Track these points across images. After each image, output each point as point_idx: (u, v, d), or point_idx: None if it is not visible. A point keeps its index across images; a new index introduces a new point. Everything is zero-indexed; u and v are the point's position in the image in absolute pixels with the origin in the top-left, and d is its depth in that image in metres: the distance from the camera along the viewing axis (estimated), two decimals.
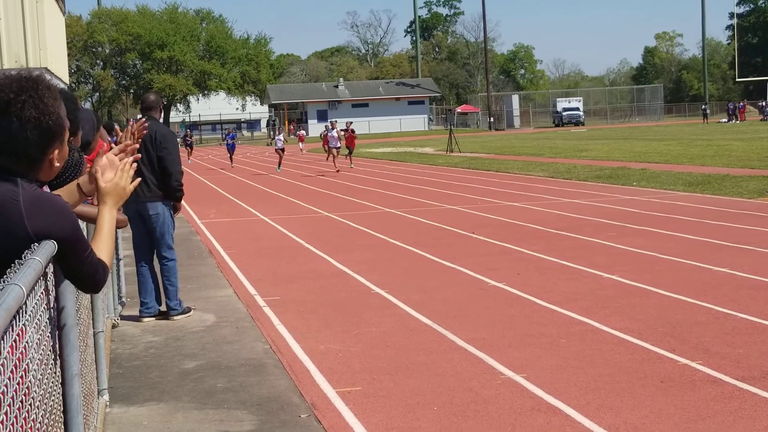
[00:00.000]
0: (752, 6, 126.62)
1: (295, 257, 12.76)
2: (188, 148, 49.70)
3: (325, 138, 44.41)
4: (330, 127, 35.12)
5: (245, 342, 7.96)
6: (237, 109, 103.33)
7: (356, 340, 7.76)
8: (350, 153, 35.79)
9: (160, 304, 9.16)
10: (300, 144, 54.99)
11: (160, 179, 8.95)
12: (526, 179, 25.31)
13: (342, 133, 35.24)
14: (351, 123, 37.80)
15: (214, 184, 30.37)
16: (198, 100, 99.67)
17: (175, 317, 9.03)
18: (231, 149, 42.87)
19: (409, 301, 9.19)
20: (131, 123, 5.17)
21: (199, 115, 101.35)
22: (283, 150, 36.95)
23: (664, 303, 8.69)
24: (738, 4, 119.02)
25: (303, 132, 59.58)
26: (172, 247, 9.21)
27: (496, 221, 15.94)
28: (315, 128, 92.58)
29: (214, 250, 13.80)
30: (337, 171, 32.53)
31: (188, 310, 9.22)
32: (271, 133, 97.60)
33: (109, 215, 3.11)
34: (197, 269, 12.17)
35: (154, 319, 9.00)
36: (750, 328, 7.56)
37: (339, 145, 34.23)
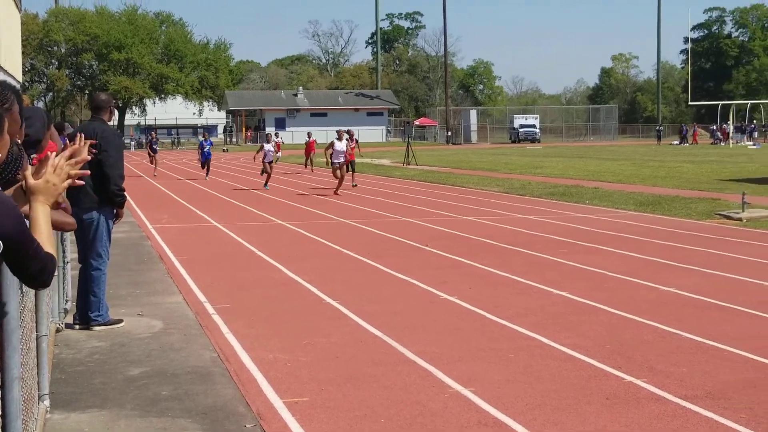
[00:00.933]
0: (706, 32, 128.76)
1: (247, 265, 12.69)
2: (152, 154, 40.30)
3: (309, 147, 39.60)
4: (338, 136, 27.01)
5: (192, 349, 7.89)
6: (194, 114, 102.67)
7: (305, 350, 7.72)
8: (352, 169, 28.21)
9: (107, 310, 8.98)
10: (278, 153, 51.87)
11: (99, 184, 8.56)
12: (481, 194, 25.42)
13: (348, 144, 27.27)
14: (353, 132, 30.03)
15: (167, 189, 30.12)
16: (154, 103, 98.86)
17: (96, 328, 8.69)
18: (206, 158, 33.97)
19: (360, 312, 9.17)
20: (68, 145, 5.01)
21: (155, 119, 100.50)
22: (271, 163, 29.28)
23: (612, 321, 8.77)
24: (692, 29, 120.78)
25: (281, 139, 52.32)
26: (102, 256, 8.83)
27: (450, 234, 15.99)
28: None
29: (165, 256, 13.68)
30: (336, 192, 25.80)
31: (115, 321, 8.84)
32: (231, 139, 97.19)
33: (42, 212, 3.03)
34: (147, 275, 12.04)
35: (104, 327, 8.79)
36: (694, 348, 7.66)
37: (343, 159, 26.22)
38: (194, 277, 11.55)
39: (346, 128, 32.14)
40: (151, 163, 40.15)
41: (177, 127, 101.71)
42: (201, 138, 35.14)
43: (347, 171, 26.98)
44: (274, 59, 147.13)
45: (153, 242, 15.43)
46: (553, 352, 7.57)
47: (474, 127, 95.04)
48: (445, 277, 11.40)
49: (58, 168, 3.09)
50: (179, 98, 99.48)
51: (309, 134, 41.41)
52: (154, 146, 40.64)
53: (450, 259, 13.00)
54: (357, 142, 28.50)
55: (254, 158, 30.14)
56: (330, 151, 26.24)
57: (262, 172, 28.85)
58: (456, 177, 33.20)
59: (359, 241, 15.23)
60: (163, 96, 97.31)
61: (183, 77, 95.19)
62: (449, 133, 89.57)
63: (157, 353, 7.79)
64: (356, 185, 27.81)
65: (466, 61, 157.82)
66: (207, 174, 34.10)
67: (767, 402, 6.16)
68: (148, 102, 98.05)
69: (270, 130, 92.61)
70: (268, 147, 29.08)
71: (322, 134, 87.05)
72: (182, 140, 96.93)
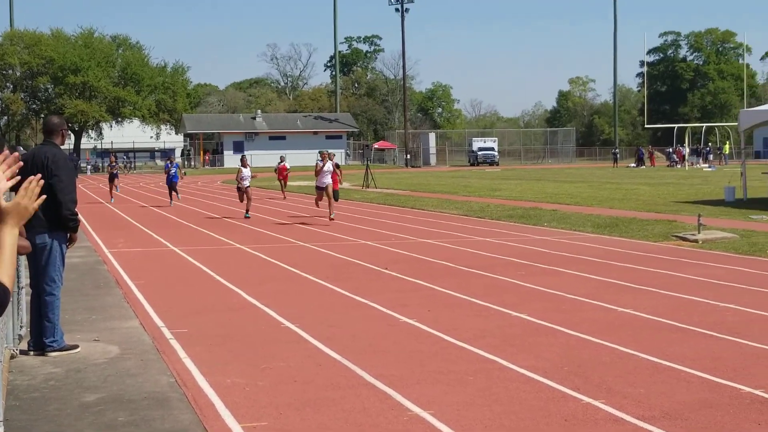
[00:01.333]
0: (662, 55, 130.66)
1: (205, 289, 12.60)
2: (111, 182, 36.81)
3: (281, 170, 36.01)
4: (321, 158, 24.81)
5: (149, 375, 7.80)
6: (151, 137, 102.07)
7: (264, 374, 7.68)
8: (335, 198, 24.84)
9: (61, 335, 8.87)
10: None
11: (51, 208, 8.42)
12: (441, 216, 25.49)
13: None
14: (333, 155, 26.13)
15: (126, 214, 29.84)
16: (111, 127, 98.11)
17: (51, 354, 8.59)
18: (173, 183, 32.17)
19: (318, 336, 9.14)
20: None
21: (112, 143, 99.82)
22: (248, 189, 26.16)
23: (570, 342, 8.82)
24: (648, 53, 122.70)
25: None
26: (56, 281, 8.72)
27: (409, 257, 16.00)
28: (230, 159, 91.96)
29: (122, 281, 13.55)
30: (332, 219, 23.48)
31: (71, 347, 8.74)
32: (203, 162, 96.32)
33: (10, 236, 3.02)
34: (103, 299, 11.92)
35: (60, 352, 8.67)
36: (651, 368, 7.72)
37: (329, 182, 23.75)
38: (151, 302, 11.45)
39: (328, 150, 29.75)
40: (111, 189, 36.64)
41: (134, 150, 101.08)
42: (167, 161, 33.00)
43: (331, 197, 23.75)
44: (232, 82, 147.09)
45: (109, 267, 15.28)
46: (511, 374, 7.59)
47: (433, 150, 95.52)
48: (404, 300, 11.41)
49: (29, 190, 3.09)
50: (136, 122, 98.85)
51: (282, 158, 38.32)
52: (113, 171, 37.06)
53: (409, 282, 13.01)
54: (338, 166, 25.98)
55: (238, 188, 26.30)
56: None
57: (242, 200, 26.42)
58: (415, 200, 33.28)
59: (318, 264, 15.19)
60: (119, 119, 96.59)
61: (140, 100, 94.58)
62: (408, 156, 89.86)
63: (114, 379, 7.70)
64: (333, 218, 23.46)
65: (425, 85, 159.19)
66: (171, 200, 32.27)
67: (723, 422, 6.22)
68: (104, 125, 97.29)
69: (228, 153, 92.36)
70: (246, 171, 26.33)
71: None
72: (138, 164, 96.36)
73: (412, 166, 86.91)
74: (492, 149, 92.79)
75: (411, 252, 16.81)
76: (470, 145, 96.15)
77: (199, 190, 45.26)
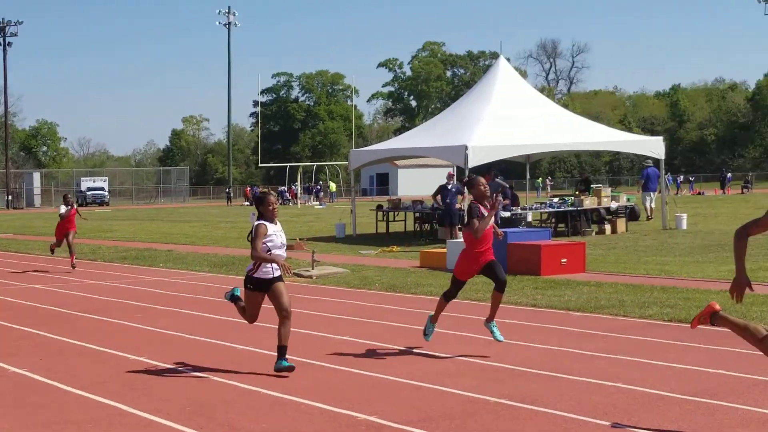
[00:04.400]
0: (274, 96, 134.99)
1: None
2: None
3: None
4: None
5: None
6: None
7: None
8: None
9: None
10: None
11: None
12: (51, 261, 24.28)
13: None
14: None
15: None
16: None
17: None
18: None
19: None
20: None
21: None
22: None
23: (191, 382, 8.75)
24: (261, 93, 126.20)
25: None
26: None
27: (17, 304, 15.07)
28: None
29: None
30: None
31: None
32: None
33: None
34: None
35: None
36: (272, 402, 7.87)
37: None
38: None
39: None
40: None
41: None
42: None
43: None
44: None
45: None
46: (133, 419, 7.38)
47: (37, 190, 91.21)
48: (12, 349, 10.73)
49: None
50: None
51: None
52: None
53: (17, 330, 12.26)
54: None
55: None
56: None
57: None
58: (19, 243, 31.48)
59: None
60: None
61: None
62: (9, 197, 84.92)
63: None
64: None
65: (29, 122, 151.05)
66: None
67: None
68: None
69: None
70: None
71: None
72: None
73: (14, 208, 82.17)
74: (102, 189, 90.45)
75: (18, 299, 15.84)
76: (78, 185, 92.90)
77: None
